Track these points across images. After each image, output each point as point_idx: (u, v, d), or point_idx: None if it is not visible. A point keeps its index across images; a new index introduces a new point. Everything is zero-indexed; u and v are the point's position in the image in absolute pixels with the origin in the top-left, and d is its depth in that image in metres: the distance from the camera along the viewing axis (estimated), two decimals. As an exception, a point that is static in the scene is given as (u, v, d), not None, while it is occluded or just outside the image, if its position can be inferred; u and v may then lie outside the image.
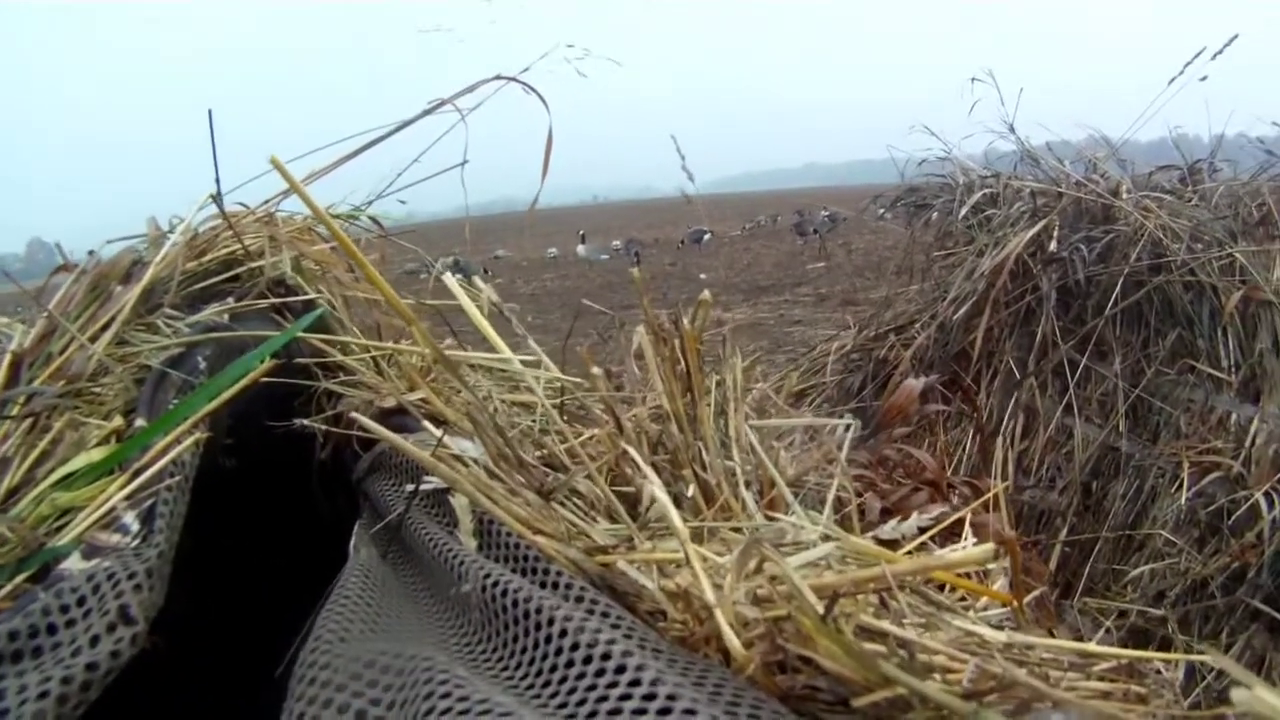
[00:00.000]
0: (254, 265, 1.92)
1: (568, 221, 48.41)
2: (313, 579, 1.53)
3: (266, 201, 2.06)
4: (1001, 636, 0.98)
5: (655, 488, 1.08)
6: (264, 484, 1.80)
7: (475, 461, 1.27)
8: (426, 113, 2.11)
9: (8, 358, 1.61)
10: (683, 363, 1.33)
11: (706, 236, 30.40)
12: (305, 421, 1.72)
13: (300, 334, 1.81)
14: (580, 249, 29.68)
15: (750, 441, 1.35)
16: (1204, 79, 4.56)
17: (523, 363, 1.52)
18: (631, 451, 1.19)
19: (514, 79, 2.12)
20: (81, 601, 1.03)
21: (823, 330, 10.48)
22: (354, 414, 1.33)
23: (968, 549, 1.10)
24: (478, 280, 1.63)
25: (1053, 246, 4.26)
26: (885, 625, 0.90)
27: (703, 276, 22.29)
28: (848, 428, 1.53)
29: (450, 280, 1.36)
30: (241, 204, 2.07)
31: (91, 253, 1.99)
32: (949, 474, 3.03)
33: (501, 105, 2.15)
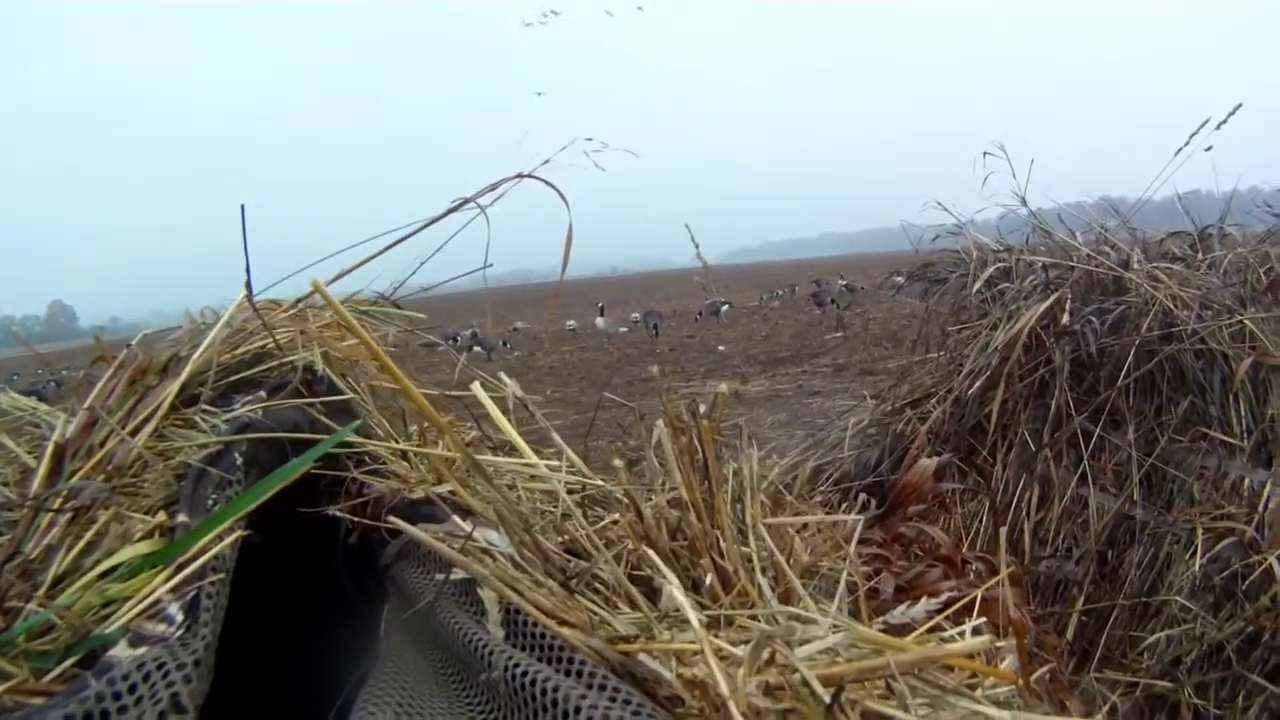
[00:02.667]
0: (285, 360, 1.98)
1: (586, 294, 48.62)
2: (338, 657, 1.58)
3: (298, 301, 2.12)
4: (1006, 716, 1.02)
5: (675, 589, 1.13)
6: (288, 562, 1.85)
7: (501, 553, 1.33)
8: (450, 211, 2.18)
9: (51, 447, 1.67)
10: (700, 453, 1.39)
11: (724, 308, 30.53)
12: (337, 511, 1.77)
13: (327, 421, 1.88)
14: (599, 321, 29.78)
15: (764, 531, 1.40)
16: (1209, 149, 4.63)
17: (545, 452, 1.58)
18: (652, 555, 1.24)
19: (534, 176, 2.18)
20: (133, 689, 1.07)
21: (840, 401, 10.51)
22: (392, 518, 1.38)
23: (968, 639, 1.15)
24: (503, 376, 1.69)
25: (1065, 319, 4.30)
26: (890, 710, 0.95)
27: (721, 348, 22.35)
28: (858, 522, 1.57)
29: (479, 390, 1.42)
30: (273, 302, 2.14)
31: (129, 345, 2.05)
32: (963, 550, 3.06)
33: (516, 163, 2.22)
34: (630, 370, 20.19)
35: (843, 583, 1.39)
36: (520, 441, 1.47)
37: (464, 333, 26.63)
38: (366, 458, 1.94)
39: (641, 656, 1.08)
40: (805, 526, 1.71)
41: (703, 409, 1.45)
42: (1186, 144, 4.63)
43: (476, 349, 24.92)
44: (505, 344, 28.15)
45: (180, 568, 1.31)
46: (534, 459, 1.53)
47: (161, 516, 1.44)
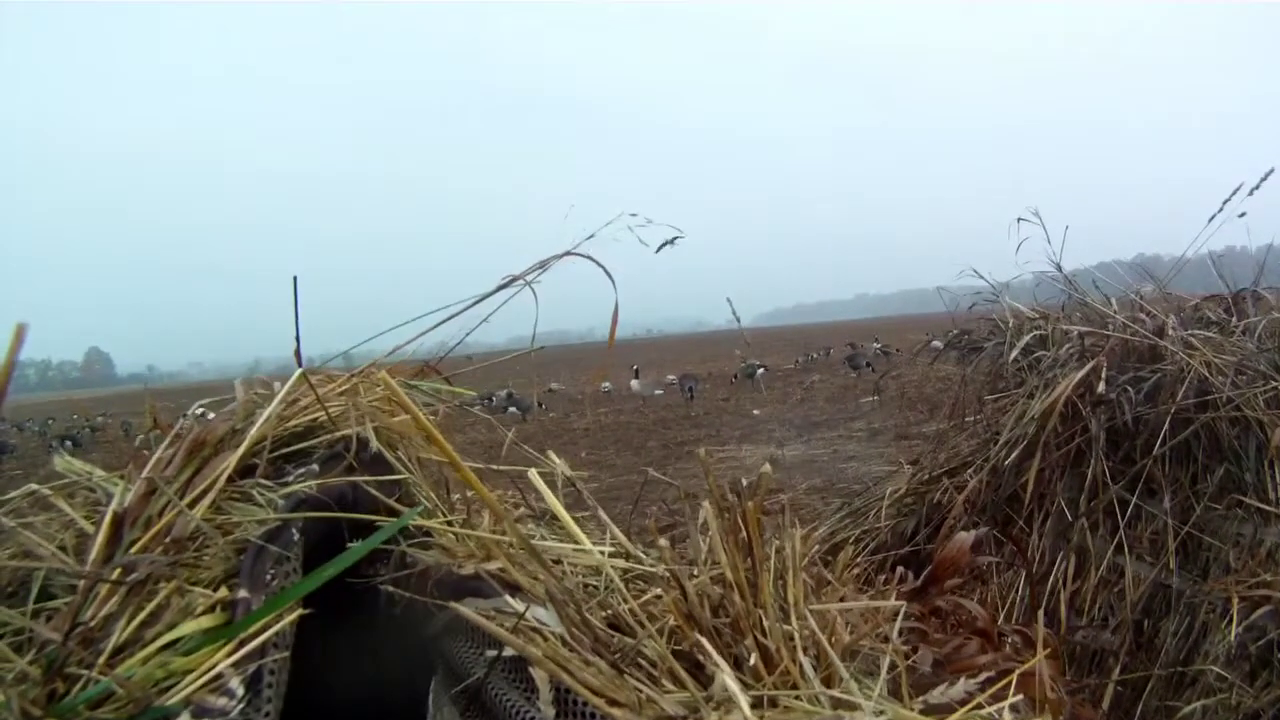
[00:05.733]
0: (337, 435, 2.03)
1: (621, 356, 48.75)
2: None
3: (351, 375, 2.17)
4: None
5: (727, 677, 1.16)
6: (328, 626, 1.88)
7: (551, 633, 1.36)
8: (499, 289, 2.24)
9: (109, 516, 1.71)
10: (744, 531, 1.42)
11: (760, 371, 30.53)
12: (389, 587, 1.80)
13: (374, 493, 1.92)
14: (634, 384, 29.81)
15: (806, 611, 1.42)
16: (1243, 215, 4.66)
17: (580, 516, 1.61)
18: (703, 641, 1.27)
19: (581, 254, 2.23)
20: (197, 762, 1.11)
21: (876, 467, 10.50)
22: (456, 606, 1.42)
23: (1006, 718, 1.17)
24: (552, 455, 1.73)
25: (1101, 388, 4.31)
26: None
27: (756, 412, 22.33)
28: (900, 607, 1.60)
29: (536, 478, 1.46)
30: (328, 375, 2.19)
31: (185, 416, 2.10)
32: (1000, 622, 3.06)
33: (557, 245, 2.27)
34: (666, 433, 20.20)
35: (884, 666, 1.41)
36: (575, 528, 1.51)
37: (500, 393, 26.72)
38: (414, 528, 1.97)
39: (691, 738, 1.11)
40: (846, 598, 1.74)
41: (745, 482, 1.48)
42: (1220, 210, 4.67)
43: (512, 410, 25.00)
44: (541, 405, 28.20)
45: (242, 643, 1.35)
46: (586, 543, 1.57)
47: (222, 592, 1.48)
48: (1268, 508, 3.94)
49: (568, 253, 2.24)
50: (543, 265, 2.25)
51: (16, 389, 1.44)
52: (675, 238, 2.50)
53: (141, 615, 1.45)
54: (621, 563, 1.64)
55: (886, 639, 1.52)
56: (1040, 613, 2.08)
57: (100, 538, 1.66)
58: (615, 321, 2.35)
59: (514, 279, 2.23)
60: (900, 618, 1.58)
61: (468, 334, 2.41)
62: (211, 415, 2.19)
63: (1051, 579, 4.21)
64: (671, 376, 32.75)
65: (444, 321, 2.24)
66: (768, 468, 1.44)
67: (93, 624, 1.43)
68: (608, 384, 32.04)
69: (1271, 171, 4.57)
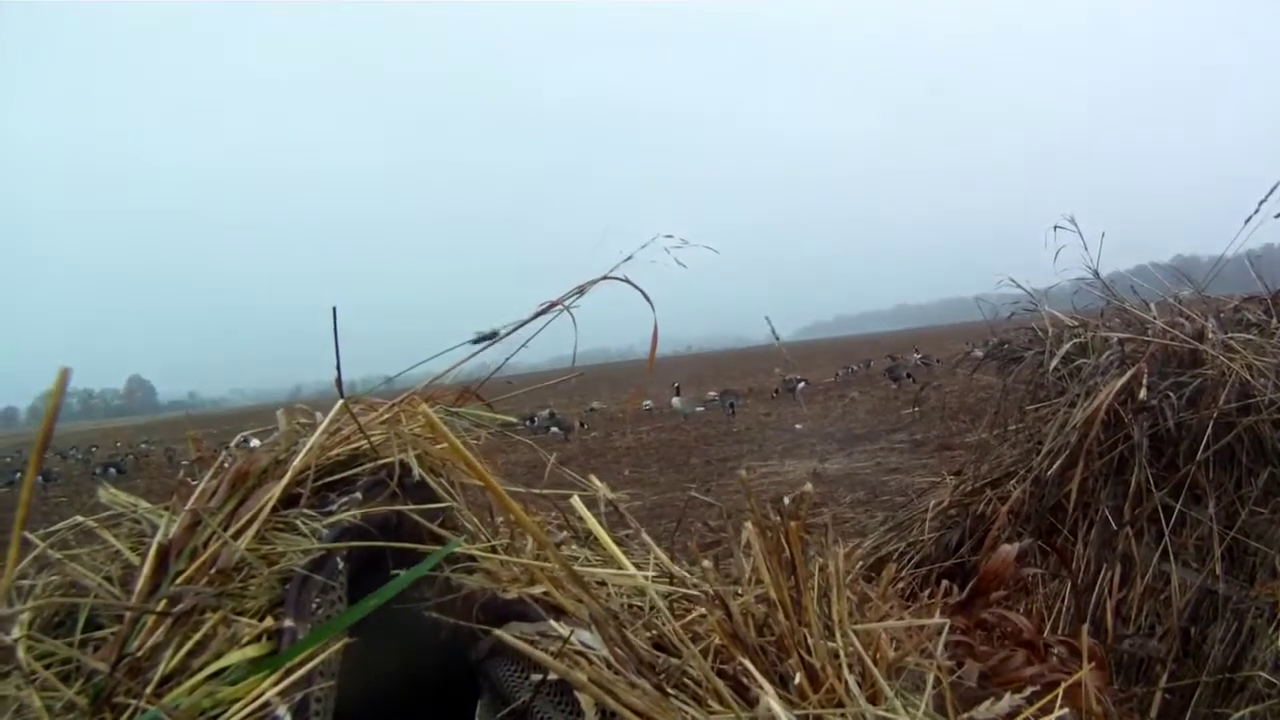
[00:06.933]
0: (380, 462, 2.04)
1: (662, 373, 48.74)
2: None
3: (393, 404, 2.18)
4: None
5: (772, 700, 1.16)
6: (374, 651, 1.88)
7: (596, 656, 1.37)
8: (538, 314, 2.25)
9: (155, 547, 1.73)
10: (787, 550, 1.42)
11: (801, 385, 30.47)
12: (434, 613, 1.81)
13: (417, 519, 1.93)
14: (675, 401, 29.80)
15: (850, 629, 1.42)
16: (1279, 215, 4.62)
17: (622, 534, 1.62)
18: (746, 664, 1.27)
19: (618, 278, 2.24)
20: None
21: (919, 478, 10.46)
22: (498, 632, 1.42)
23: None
24: (594, 479, 1.73)
25: (1142, 395, 4.27)
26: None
27: (798, 426, 22.27)
28: (943, 625, 1.59)
29: (579, 505, 1.47)
30: (369, 405, 2.20)
31: (227, 447, 2.12)
32: (1046, 633, 3.05)
33: (596, 261, 2.29)
34: (708, 450, 20.17)
35: (929, 683, 1.41)
36: (617, 551, 1.52)
37: (541, 413, 26.79)
38: (459, 553, 1.98)
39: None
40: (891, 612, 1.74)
41: (786, 500, 1.48)
42: (1256, 211, 4.64)
43: (554, 430, 25.06)
44: (582, 425, 28.24)
45: (288, 672, 1.36)
46: (629, 566, 1.57)
47: (268, 621, 1.49)
48: (1313, 511, 3.91)
49: (605, 277, 2.25)
50: (580, 290, 2.26)
51: (59, 418, 1.46)
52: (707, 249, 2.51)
53: (188, 645, 1.46)
54: (665, 585, 1.64)
55: (931, 655, 1.51)
56: (1085, 623, 2.07)
57: (146, 569, 1.68)
58: (655, 343, 2.36)
59: (552, 305, 2.25)
60: (944, 634, 1.58)
61: (507, 358, 2.42)
62: (256, 442, 2.22)
63: (1097, 588, 4.18)
64: (712, 393, 32.74)
65: (484, 349, 2.26)
66: (809, 486, 1.45)
67: (140, 654, 1.45)
68: (649, 402, 32.04)
69: (1301, 178, 4.54)
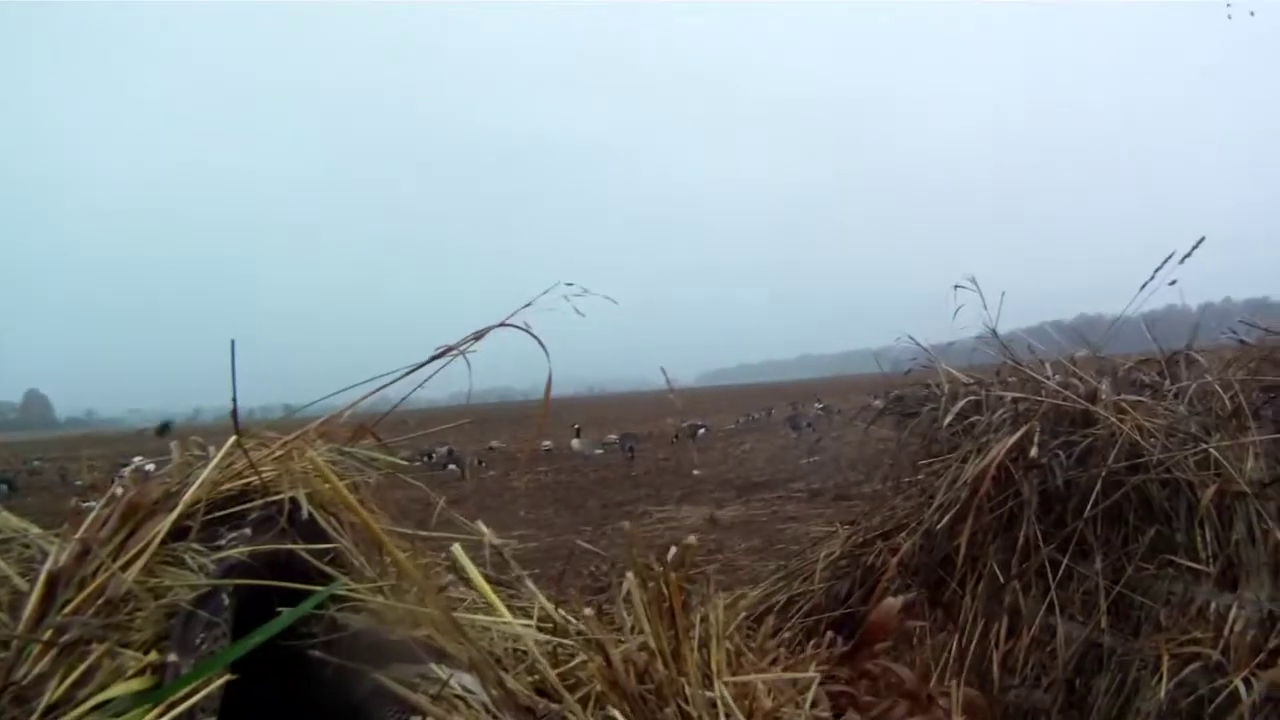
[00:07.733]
0: (271, 499, 2.04)
1: (562, 414, 48.54)
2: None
3: (285, 442, 2.18)
4: None
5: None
6: (260, 687, 1.87)
7: (474, 701, 1.38)
8: (434, 358, 2.26)
9: (44, 576, 1.71)
10: (668, 600, 1.45)
11: (701, 431, 30.61)
12: (319, 651, 1.81)
13: (306, 557, 1.93)
14: (575, 443, 29.79)
15: (726, 680, 1.45)
16: (1173, 282, 4.75)
17: (524, 598, 1.63)
18: (620, 714, 1.29)
19: (515, 325, 2.26)
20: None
21: (815, 528, 10.54)
22: (378, 676, 1.43)
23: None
24: (481, 525, 1.75)
25: (1034, 452, 4.35)
26: None
27: (696, 472, 22.34)
28: (813, 680, 1.63)
29: (459, 553, 1.48)
30: (262, 442, 2.19)
31: (120, 476, 2.11)
32: (933, 684, 3.09)
33: (498, 304, 2.31)
34: (606, 493, 20.14)
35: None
36: (496, 600, 1.53)
37: (440, 449, 26.55)
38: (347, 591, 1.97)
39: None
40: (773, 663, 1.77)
41: (672, 551, 1.51)
42: (1152, 278, 4.76)
43: (452, 467, 24.85)
44: (481, 463, 28.04)
45: (171, 706, 1.36)
46: (508, 615, 1.59)
47: (153, 655, 1.49)
48: (1198, 566, 4.00)
49: (502, 324, 2.27)
50: (477, 336, 2.28)
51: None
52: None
53: (74, 676, 1.46)
54: (544, 634, 1.66)
55: (806, 706, 1.54)
56: (961, 676, 2.10)
57: (34, 597, 1.67)
58: (549, 390, 2.38)
59: (449, 349, 2.26)
60: (814, 689, 1.61)
61: (403, 399, 2.43)
62: (151, 466, 2.20)
63: (983, 640, 4.24)
64: (613, 435, 32.74)
65: (380, 390, 2.27)
66: (692, 538, 1.47)
67: (25, 683, 1.44)
68: (549, 442, 31.94)
69: (1202, 240, 4.68)
